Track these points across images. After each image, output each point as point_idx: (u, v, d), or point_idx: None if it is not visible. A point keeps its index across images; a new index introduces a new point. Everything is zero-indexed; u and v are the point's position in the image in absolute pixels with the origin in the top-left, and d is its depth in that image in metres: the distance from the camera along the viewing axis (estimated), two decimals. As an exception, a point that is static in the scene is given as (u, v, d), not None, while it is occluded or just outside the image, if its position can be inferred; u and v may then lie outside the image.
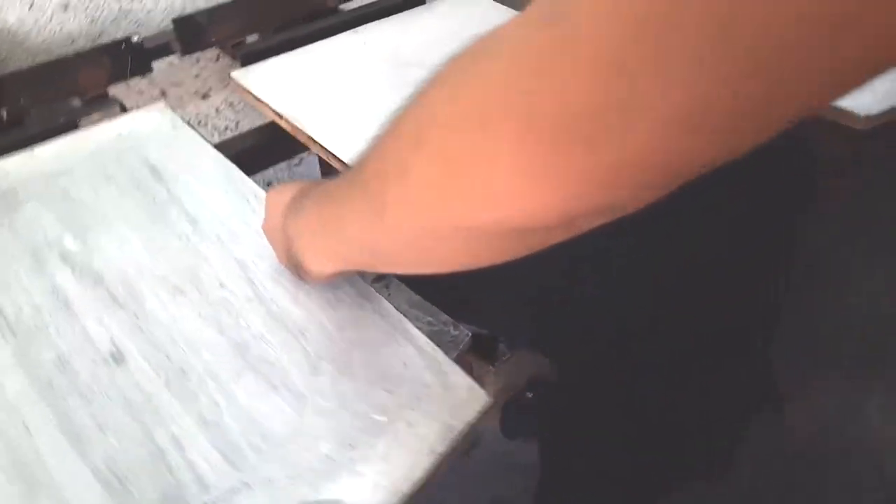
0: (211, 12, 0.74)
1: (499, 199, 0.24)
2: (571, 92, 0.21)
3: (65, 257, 0.52)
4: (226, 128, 1.13)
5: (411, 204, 0.28)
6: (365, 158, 0.33)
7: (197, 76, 1.03)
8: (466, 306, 0.55)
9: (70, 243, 0.53)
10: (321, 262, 0.43)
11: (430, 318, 0.51)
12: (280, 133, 0.70)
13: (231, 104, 1.09)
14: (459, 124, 0.25)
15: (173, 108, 0.67)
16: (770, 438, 0.67)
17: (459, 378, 0.45)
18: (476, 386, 0.45)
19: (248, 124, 1.11)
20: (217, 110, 1.08)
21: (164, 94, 0.98)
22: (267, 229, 0.49)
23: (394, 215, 0.30)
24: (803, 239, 0.63)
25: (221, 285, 0.51)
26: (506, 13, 0.87)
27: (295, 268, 0.47)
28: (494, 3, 0.89)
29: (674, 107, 0.20)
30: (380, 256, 0.37)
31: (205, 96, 1.06)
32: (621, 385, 0.61)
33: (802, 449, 0.67)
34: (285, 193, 0.46)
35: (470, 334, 0.68)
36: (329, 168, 1.05)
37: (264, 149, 0.72)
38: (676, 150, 0.21)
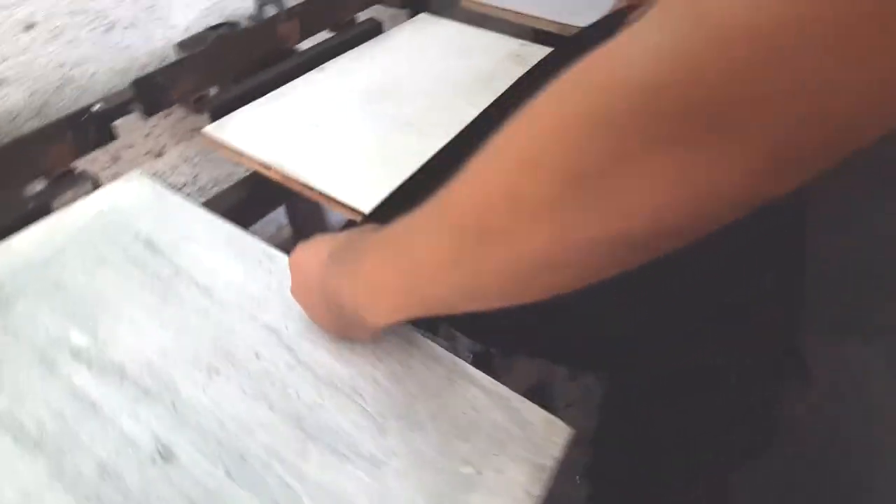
0: (170, 69, 0.70)
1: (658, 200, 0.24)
2: None
3: (76, 354, 0.48)
4: (184, 184, 1.08)
5: (542, 225, 0.27)
6: (448, 196, 0.32)
7: (148, 135, 0.98)
8: (460, 320, 0.53)
9: (78, 338, 0.49)
10: (387, 314, 0.41)
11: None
12: (264, 183, 0.67)
13: (187, 159, 1.04)
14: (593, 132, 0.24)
15: (129, 173, 0.63)
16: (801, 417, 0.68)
17: (533, 413, 0.44)
18: (554, 418, 0.43)
19: (206, 177, 1.07)
20: (173, 167, 1.03)
21: (116, 159, 0.93)
22: (299, 292, 0.47)
23: (508, 243, 0.29)
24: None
25: (258, 356, 0.48)
26: (468, 31, 0.86)
27: (343, 326, 0.45)
28: (452, 22, 0.88)
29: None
30: (466, 295, 0.35)
31: (159, 155, 1.01)
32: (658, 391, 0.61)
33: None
34: (319, 250, 0.44)
35: (472, 354, 0.67)
36: (299, 214, 1.01)
37: (250, 202, 0.68)
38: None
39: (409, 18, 0.91)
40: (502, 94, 0.66)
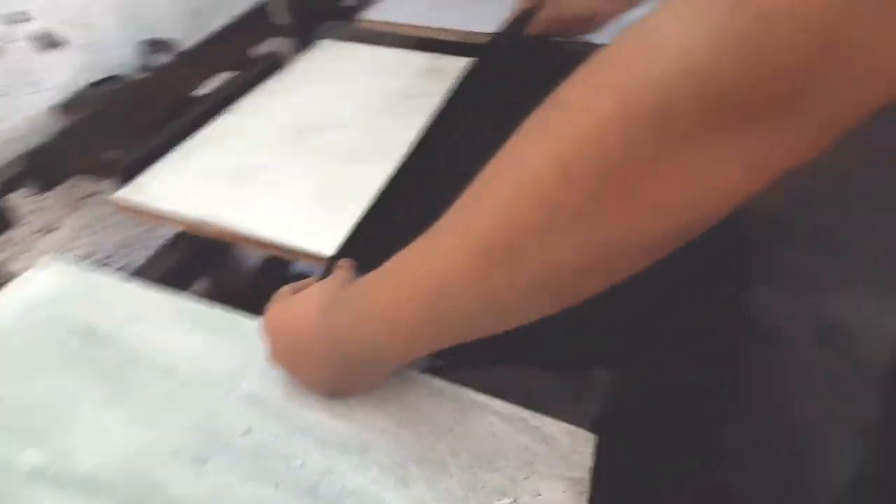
0: (65, 135, 0.64)
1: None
2: None
3: (33, 476, 0.42)
4: (86, 255, 0.99)
5: (581, 231, 0.26)
6: (467, 216, 0.30)
7: (34, 212, 0.89)
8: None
9: (34, 457, 0.43)
10: (412, 348, 0.38)
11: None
12: (195, 242, 0.62)
13: (84, 227, 0.96)
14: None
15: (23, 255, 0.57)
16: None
17: (554, 427, 0.42)
18: (575, 428, 0.42)
19: (111, 245, 0.98)
20: (72, 240, 0.94)
21: (5, 243, 0.83)
22: (285, 355, 0.43)
23: (544, 254, 0.28)
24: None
25: (247, 432, 0.43)
26: (374, 52, 0.84)
27: (344, 380, 0.42)
28: (355, 45, 0.86)
29: None
30: (497, 314, 0.33)
31: (52, 230, 0.92)
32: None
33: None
34: (304, 306, 0.40)
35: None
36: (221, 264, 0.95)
37: (186, 264, 0.63)
38: None
39: (304, 48, 0.87)
40: (444, 109, 0.65)
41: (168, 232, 0.72)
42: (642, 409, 0.63)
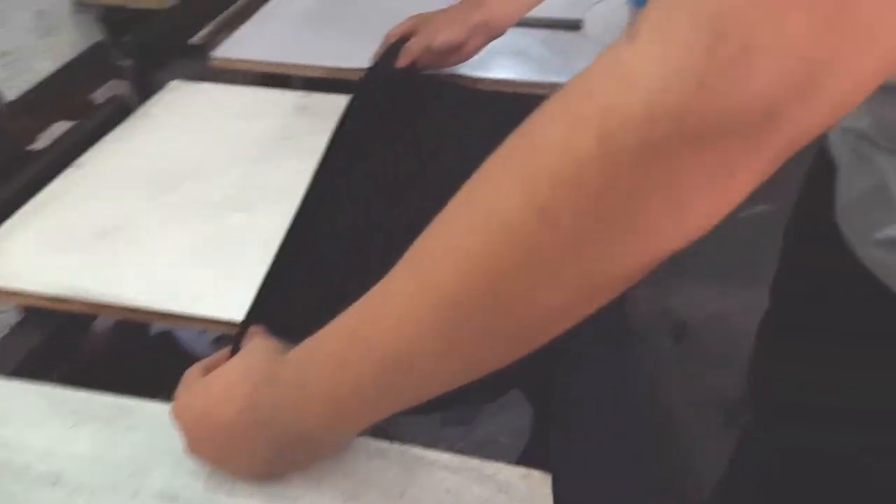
0: None
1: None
2: None
3: None
4: None
5: (570, 271, 0.26)
6: (423, 277, 0.28)
7: None
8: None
9: None
10: (360, 425, 0.34)
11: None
12: (46, 320, 0.54)
13: None
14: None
15: None
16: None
17: (509, 472, 0.41)
18: (529, 471, 0.41)
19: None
20: None
21: None
22: (209, 446, 0.38)
23: (527, 301, 0.27)
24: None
25: (168, 538, 0.37)
26: (236, 92, 0.79)
27: (282, 460, 0.37)
28: (211, 85, 0.80)
29: None
30: (468, 372, 0.31)
31: None
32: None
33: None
34: (228, 382, 0.36)
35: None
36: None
37: (44, 346, 0.54)
38: None
39: (152, 91, 0.80)
40: (330, 149, 0.61)
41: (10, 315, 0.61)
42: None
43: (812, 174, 0.55)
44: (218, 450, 0.37)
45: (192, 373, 0.39)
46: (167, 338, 0.78)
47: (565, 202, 0.24)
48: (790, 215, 0.59)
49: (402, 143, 0.65)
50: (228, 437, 0.36)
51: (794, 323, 0.56)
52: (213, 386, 0.36)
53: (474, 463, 0.41)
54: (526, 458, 0.63)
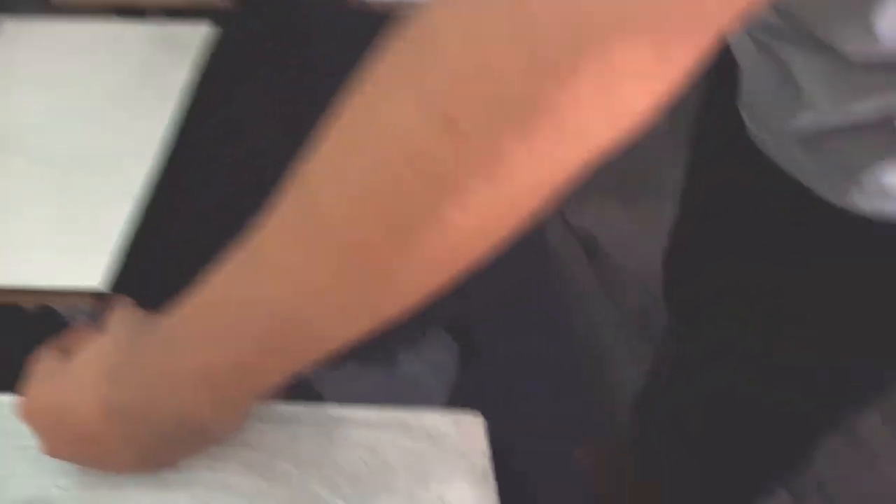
0: None
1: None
2: None
3: None
4: None
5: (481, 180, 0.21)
6: (312, 206, 0.24)
7: None
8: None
9: None
10: (247, 408, 0.29)
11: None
12: None
13: None
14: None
15: None
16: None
17: (438, 419, 0.37)
18: (461, 415, 0.37)
19: None
20: None
21: None
22: (73, 447, 0.31)
23: (429, 228, 0.22)
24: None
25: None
26: (72, 27, 0.68)
27: (160, 451, 0.32)
28: (53, 23, 0.68)
29: None
30: (366, 317, 0.26)
31: None
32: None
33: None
34: (84, 369, 0.30)
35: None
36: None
37: None
38: None
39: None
40: (200, 89, 0.53)
41: None
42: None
43: (712, 76, 0.53)
44: (79, 451, 0.31)
45: (41, 358, 0.32)
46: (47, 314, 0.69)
47: (471, 105, 0.20)
48: (693, 124, 0.58)
49: (296, 70, 0.57)
50: (89, 435, 0.29)
51: (705, 229, 0.55)
52: (70, 373, 0.30)
53: (397, 414, 0.37)
54: (456, 398, 0.61)
